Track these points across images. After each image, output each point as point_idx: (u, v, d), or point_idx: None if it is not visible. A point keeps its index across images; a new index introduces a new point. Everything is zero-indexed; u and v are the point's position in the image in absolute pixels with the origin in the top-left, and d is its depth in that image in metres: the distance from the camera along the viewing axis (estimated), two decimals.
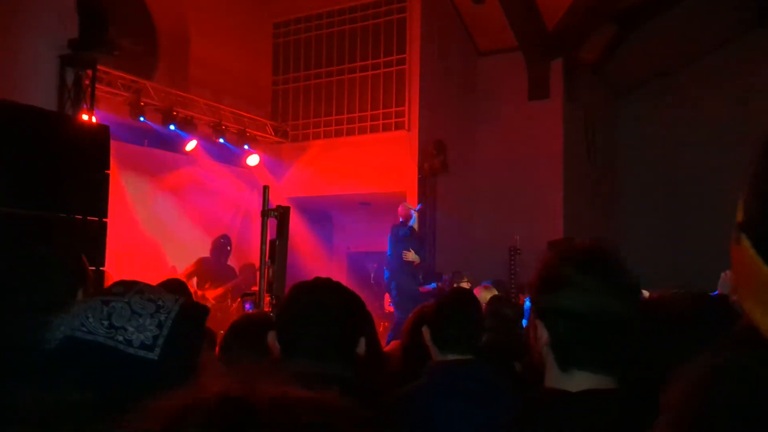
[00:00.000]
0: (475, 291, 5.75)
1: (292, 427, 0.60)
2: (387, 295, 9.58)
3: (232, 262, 10.67)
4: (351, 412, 0.66)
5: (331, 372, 1.81)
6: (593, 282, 1.42)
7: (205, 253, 10.37)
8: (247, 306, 5.00)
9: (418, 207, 9.97)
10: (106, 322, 1.20)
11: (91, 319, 1.20)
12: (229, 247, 9.91)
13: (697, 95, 14.79)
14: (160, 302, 1.26)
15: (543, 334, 1.46)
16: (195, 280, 9.40)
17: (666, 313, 2.41)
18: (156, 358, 1.19)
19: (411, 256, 8.87)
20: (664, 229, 14.77)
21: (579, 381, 1.42)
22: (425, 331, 2.77)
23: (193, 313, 1.31)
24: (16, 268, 2.61)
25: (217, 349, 2.95)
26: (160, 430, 0.60)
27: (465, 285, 7.32)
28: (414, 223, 9.35)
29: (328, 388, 1.74)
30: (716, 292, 6.45)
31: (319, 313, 1.86)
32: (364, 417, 0.67)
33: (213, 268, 9.87)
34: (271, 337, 1.93)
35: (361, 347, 1.93)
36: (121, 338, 1.19)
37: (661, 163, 15.32)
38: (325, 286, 1.99)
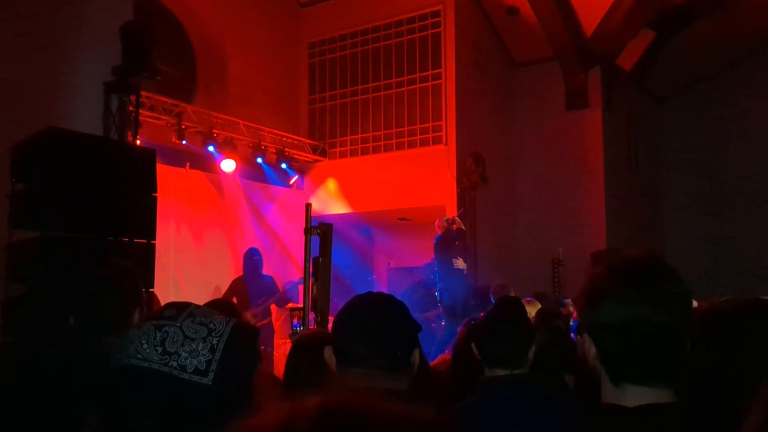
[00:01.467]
0: None
1: None
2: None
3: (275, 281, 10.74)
4: (448, 428, 0.65)
5: (387, 386, 1.81)
6: (636, 294, 1.38)
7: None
8: (295, 322, 5.01)
9: (459, 212, 9.95)
10: (159, 348, 1.21)
11: (145, 346, 1.21)
12: (255, 257, 9.83)
13: (741, 99, 14.53)
14: (211, 325, 1.26)
15: (591, 348, 1.44)
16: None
17: (721, 323, 2.35)
18: (210, 383, 1.20)
19: (460, 263, 8.82)
20: (709, 236, 14.49)
21: (634, 395, 1.39)
22: (474, 348, 2.74)
23: (244, 336, 1.31)
24: (73, 290, 2.66)
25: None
26: None
27: None
28: (458, 221, 9.30)
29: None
30: None
31: (373, 326, 1.86)
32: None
33: (249, 284, 9.83)
34: (328, 352, 1.93)
35: (416, 357, 1.92)
36: (175, 364, 1.20)
37: (706, 170, 15.06)
38: (378, 300, 2.00)
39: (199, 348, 1.21)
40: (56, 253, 4.89)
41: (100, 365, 2.04)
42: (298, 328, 5.02)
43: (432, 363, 5.17)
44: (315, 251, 7.00)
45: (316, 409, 0.61)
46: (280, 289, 9.39)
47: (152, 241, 5.48)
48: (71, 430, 2.06)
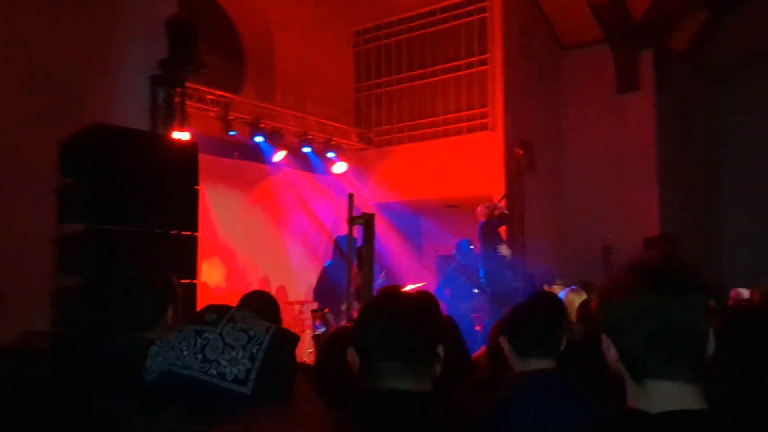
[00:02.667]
0: (564, 295, 5.58)
1: None
2: None
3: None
4: None
5: (409, 386, 1.79)
6: (647, 284, 1.38)
7: (294, 260, 10.58)
8: (317, 325, 5.02)
9: (500, 199, 9.84)
10: (200, 356, 1.21)
11: (186, 353, 1.22)
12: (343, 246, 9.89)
13: None
14: (251, 332, 1.26)
15: (610, 349, 1.43)
16: None
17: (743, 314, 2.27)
18: (249, 392, 1.20)
19: (505, 250, 8.74)
20: (767, 218, 13.98)
21: (657, 393, 1.37)
22: (503, 341, 2.71)
23: (284, 344, 1.31)
24: (106, 287, 2.72)
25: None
26: None
27: (558, 289, 7.10)
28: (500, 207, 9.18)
29: (407, 407, 1.71)
30: None
31: (394, 322, 1.85)
32: None
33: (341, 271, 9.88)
34: (351, 353, 1.93)
35: (441, 352, 1.89)
36: (214, 372, 1.20)
37: (764, 148, 14.51)
38: (395, 297, 1.99)
39: (239, 356, 1.22)
40: (102, 246, 5.02)
41: (130, 362, 2.08)
42: (320, 330, 5.04)
43: (474, 354, 5.14)
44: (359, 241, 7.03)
45: None
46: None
47: (195, 233, 5.57)
48: (100, 423, 2.11)
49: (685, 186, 13.44)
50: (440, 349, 1.89)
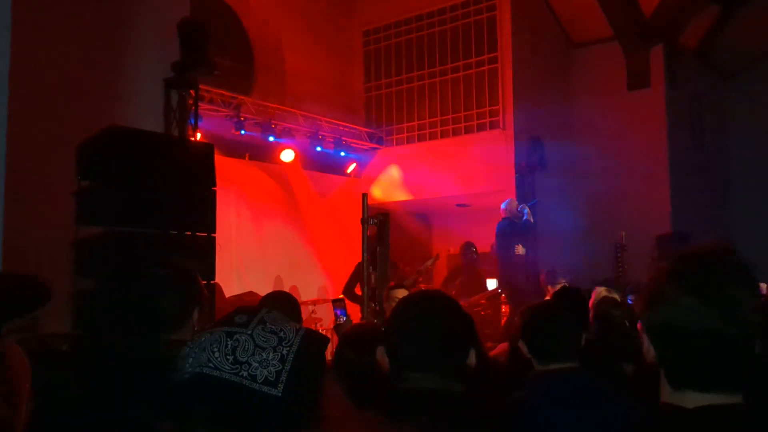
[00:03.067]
0: (594, 293, 5.55)
1: None
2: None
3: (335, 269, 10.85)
4: None
5: (442, 387, 1.79)
6: (697, 302, 1.30)
7: (306, 259, 10.61)
8: (338, 312, 5.01)
9: (532, 202, 9.82)
10: (231, 357, 1.21)
11: (217, 354, 1.22)
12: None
13: None
14: (282, 334, 1.26)
15: (650, 349, 1.39)
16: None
17: None
18: (279, 394, 1.20)
19: (521, 249, 8.72)
20: None
21: (694, 399, 1.33)
22: (522, 346, 2.71)
23: (314, 345, 1.31)
24: (134, 288, 2.73)
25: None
26: None
27: (561, 286, 7.05)
28: (528, 213, 9.15)
29: (437, 405, 1.70)
30: None
31: (427, 326, 1.83)
32: None
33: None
34: (380, 353, 1.90)
35: (472, 359, 1.89)
36: (245, 374, 1.20)
37: None
38: (432, 299, 1.97)
39: (270, 358, 1.22)
40: (121, 248, 5.05)
41: (158, 363, 2.09)
42: (342, 318, 5.02)
43: (492, 352, 5.15)
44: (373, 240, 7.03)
45: None
46: None
47: (212, 234, 5.60)
48: (126, 426, 2.13)
49: (696, 183, 13.39)
50: (472, 356, 1.87)
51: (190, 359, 1.25)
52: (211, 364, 1.22)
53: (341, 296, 6.24)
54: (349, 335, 2.95)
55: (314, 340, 1.33)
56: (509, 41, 11.61)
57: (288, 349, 1.25)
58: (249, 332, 1.25)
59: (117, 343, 2.78)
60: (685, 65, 13.01)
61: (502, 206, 9.17)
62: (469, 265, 9.96)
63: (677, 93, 12.78)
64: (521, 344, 2.71)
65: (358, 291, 8.15)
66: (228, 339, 1.24)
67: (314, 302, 10.24)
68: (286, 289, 9.88)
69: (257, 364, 1.21)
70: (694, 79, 13.60)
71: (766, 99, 14.58)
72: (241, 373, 1.20)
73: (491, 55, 11.78)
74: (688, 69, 13.17)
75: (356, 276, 8.89)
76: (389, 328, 1.96)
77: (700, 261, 1.37)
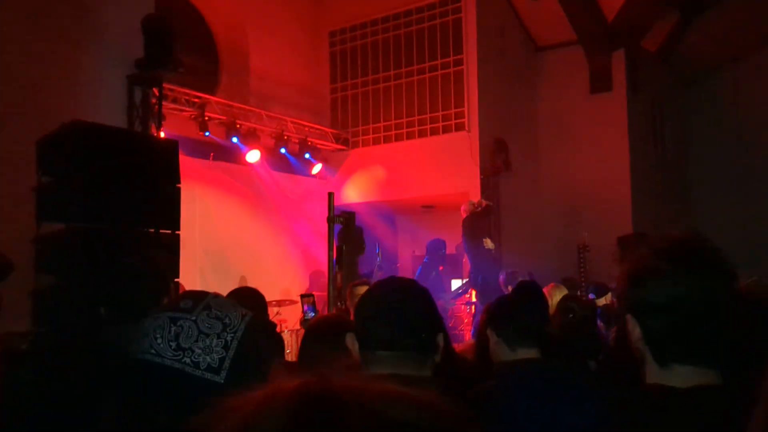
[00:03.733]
0: (545, 290, 5.65)
1: (380, 420, 0.56)
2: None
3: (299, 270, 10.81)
4: (448, 411, 0.62)
5: (410, 373, 1.80)
6: (683, 272, 1.36)
7: (270, 260, 10.54)
8: (306, 308, 5.00)
9: (483, 196, 9.92)
10: (173, 344, 1.20)
11: (159, 340, 1.20)
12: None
13: None
14: (227, 320, 1.24)
15: (635, 329, 1.41)
16: None
17: (757, 304, 2.31)
18: (222, 381, 1.19)
19: (489, 243, 8.79)
20: (738, 216, 14.27)
21: (681, 376, 1.35)
22: (490, 333, 2.74)
23: (259, 332, 1.30)
24: (103, 280, 2.71)
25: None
26: (236, 427, 0.57)
27: None
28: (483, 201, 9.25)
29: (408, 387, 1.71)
30: None
31: (395, 311, 1.83)
32: (461, 416, 0.62)
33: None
34: (350, 339, 1.90)
35: (440, 341, 1.89)
36: (188, 360, 1.19)
37: (733, 150, 14.81)
38: (400, 285, 1.98)
39: (213, 344, 1.21)
40: (83, 245, 4.96)
41: (124, 354, 2.07)
42: (310, 314, 5.01)
43: (459, 348, 5.17)
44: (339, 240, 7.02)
45: (295, 389, 0.59)
46: None
47: (177, 232, 5.53)
48: (97, 417, 2.09)
49: (657, 185, 13.65)
50: (440, 338, 1.88)
51: (134, 345, 1.24)
52: (153, 351, 1.20)
53: (311, 293, 6.23)
54: (312, 327, 2.95)
55: (260, 327, 1.32)
56: (474, 44, 11.70)
57: (232, 335, 1.23)
58: (193, 318, 1.23)
59: (87, 338, 2.74)
60: (646, 69, 13.26)
61: (462, 209, 9.30)
62: (436, 261, 10.09)
63: (639, 97, 13.01)
64: (489, 332, 2.73)
65: None
66: (171, 325, 1.22)
67: (279, 303, 10.18)
68: None
69: (200, 351, 1.20)
70: (655, 84, 13.86)
71: (725, 104, 14.95)
72: (183, 360, 1.19)
73: (457, 57, 11.86)
74: (649, 73, 13.43)
75: (314, 286, 8.97)
76: (358, 312, 1.97)
77: (681, 240, 1.43)
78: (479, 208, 9.05)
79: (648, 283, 1.39)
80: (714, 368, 1.36)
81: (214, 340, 1.21)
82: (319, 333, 2.76)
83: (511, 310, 2.73)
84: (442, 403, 0.62)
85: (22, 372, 2.94)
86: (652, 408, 1.38)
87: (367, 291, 1.99)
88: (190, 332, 1.21)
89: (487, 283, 8.56)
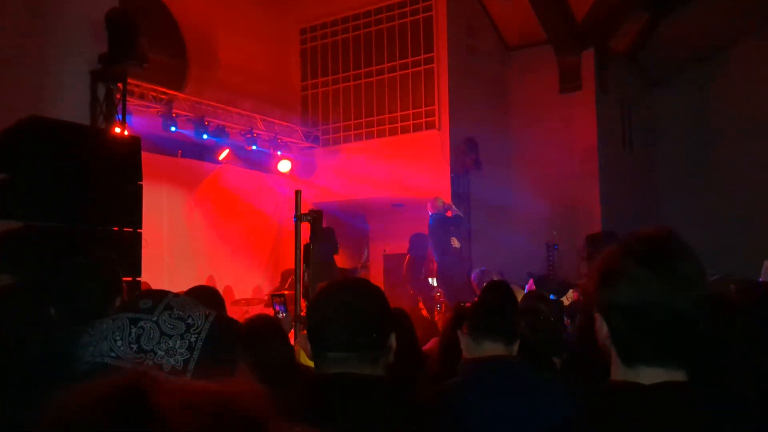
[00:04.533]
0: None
1: (186, 413, 0.58)
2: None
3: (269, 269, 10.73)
4: (256, 400, 0.64)
5: (362, 372, 1.77)
6: (653, 275, 1.33)
7: (240, 259, 10.45)
8: (278, 307, 4.94)
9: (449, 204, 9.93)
10: (135, 346, 1.15)
11: (119, 343, 1.16)
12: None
13: (736, 80, 14.45)
14: (190, 320, 1.21)
15: (603, 327, 1.40)
16: None
17: (716, 302, 2.32)
18: None
19: (456, 242, 8.81)
20: (704, 216, 14.46)
21: (647, 376, 1.34)
22: (460, 333, 2.72)
23: (224, 332, 1.26)
24: (53, 280, 2.63)
25: None
26: (50, 418, 0.60)
27: None
28: (456, 211, 9.26)
29: (358, 391, 1.67)
30: (761, 279, 6.28)
31: (346, 311, 1.82)
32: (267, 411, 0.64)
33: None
34: (303, 339, 1.89)
35: (392, 342, 1.87)
36: (150, 363, 1.15)
37: (701, 150, 15.01)
38: (350, 284, 1.98)
39: (177, 346, 1.17)
40: (41, 243, 4.85)
41: (72, 355, 2.00)
42: (282, 313, 4.96)
43: (425, 347, 5.15)
44: (306, 238, 6.96)
45: (110, 383, 0.62)
46: None
47: (139, 230, 5.44)
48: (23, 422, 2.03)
49: (625, 184, 13.78)
50: (392, 339, 1.87)
51: (90, 348, 1.19)
52: (113, 354, 1.16)
53: (282, 292, 6.17)
54: (243, 329, 2.90)
55: (224, 327, 1.28)
56: (445, 42, 11.70)
57: (196, 336, 1.19)
58: (154, 319, 1.19)
59: (37, 339, 2.67)
60: (615, 69, 13.37)
61: (429, 203, 9.29)
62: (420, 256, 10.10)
63: (608, 96, 13.13)
64: (460, 333, 2.72)
65: None
66: (132, 326, 1.17)
67: (248, 302, 10.11)
68: (220, 290, 9.70)
69: (163, 353, 1.16)
70: (624, 83, 13.99)
71: (692, 104, 15.14)
72: (146, 363, 1.14)
73: (427, 55, 11.85)
74: (618, 73, 13.54)
75: (284, 283, 8.90)
76: (310, 312, 1.95)
77: (651, 239, 1.40)
78: (449, 212, 9.07)
79: (617, 284, 1.37)
80: (680, 369, 1.35)
81: (178, 342, 1.17)
82: (248, 336, 2.72)
83: (482, 309, 2.72)
84: (248, 396, 0.65)
85: None
86: (616, 403, 1.36)
87: (320, 291, 1.97)
88: (152, 334, 1.17)
89: (452, 282, 8.58)
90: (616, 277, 1.37)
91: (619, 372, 1.38)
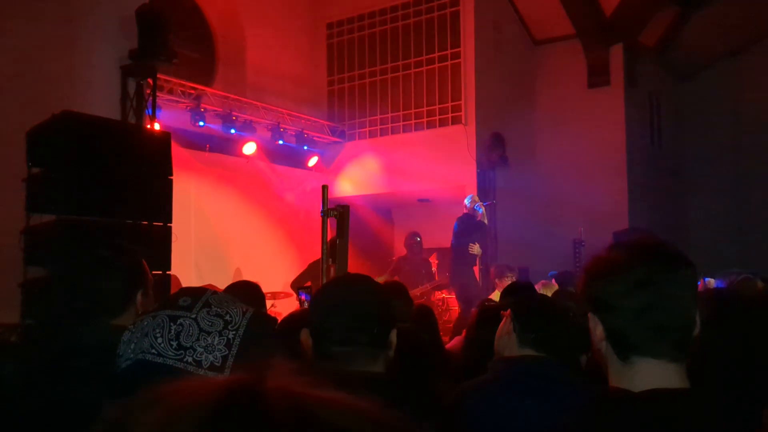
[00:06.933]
0: (536, 287, 5.63)
1: (304, 422, 0.55)
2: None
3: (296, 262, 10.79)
4: (376, 417, 0.60)
5: (361, 369, 1.79)
6: (640, 263, 1.36)
7: (267, 253, 10.52)
8: (303, 296, 4.98)
9: (486, 203, 9.87)
10: (174, 343, 1.18)
11: (159, 340, 1.18)
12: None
13: (767, 74, 14.20)
14: (227, 317, 1.23)
15: (597, 327, 1.40)
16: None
17: (739, 305, 2.29)
18: None
19: (476, 249, 8.76)
20: (733, 213, 14.28)
21: (642, 371, 1.34)
22: (508, 332, 2.72)
23: (261, 328, 1.28)
24: (74, 272, 2.66)
25: None
26: (157, 419, 0.57)
27: (508, 280, 7.12)
28: (482, 214, 9.19)
29: (358, 387, 1.71)
30: None
31: (347, 307, 1.85)
32: (390, 423, 0.61)
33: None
34: (304, 334, 1.91)
35: (393, 337, 1.89)
36: (190, 359, 1.17)
37: (730, 145, 14.79)
38: (351, 281, 2.00)
39: (215, 342, 1.19)
40: (73, 237, 4.93)
41: (100, 349, 2.03)
42: (307, 302, 5.00)
43: (448, 345, 5.16)
44: (333, 233, 7.00)
45: (220, 386, 0.58)
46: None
47: (169, 224, 5.51)
48: (73, 412, 2.07)
49: (653, 180, 13.63)
50: (393, 335, 1.89)
51: (132, 345, 1.21)
52: (153, 350, 1.18)
53: (308, 285, 6.21)
54: (283, 323, 2.94)
55: (262, 323, 1.30)
56: (472, 37, 11.65)
57: (234, 332, 1.21)
58: (193, 316, 1.21)
59: (61, 331, 2.71)
60: (644, 64, 13.22)
61: (466, 202, 9.22)
62: (412, 254, 10.12)
63: (636, 91, 12.99)
64: (508, 330, 2.71)
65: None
66: (171, 323, 1.20)
67: (274, 295, 10.17)
68: None
69: (202, 349, 1.18)
70: (652, 78, 13.83)
71: (721, 99, 14.92)
72: (185, 359, 1.16)
73: (454, 50, 11.81)
74: (647, 68, 13.39)
75: (307, 274, 8.91)
76: (312, 308, 1.97)
77: (639, 239, 1.44)
78: (477, 217, 8.98)
79: (605, 276, 1.39)
80: (674, 361, 1.34)
81: (216, 338, 1.19)
82: (285, 331, 2.74)
83: (532, 313, 2.72)
84: (380, 412, 0.60)
85: (6, 364, 2.91)
86: (605, 415, 1.36)
87: (322, 287, 2.01)
88: (191, 330, 1.19)
89: (464, 289, 8.54)
90: (602, 270, 1.39)
91: (615, 372, 1.39)
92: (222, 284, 5.95)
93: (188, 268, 9.57)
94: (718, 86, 14.99)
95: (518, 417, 2.47)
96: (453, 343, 5.06)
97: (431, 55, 12.05)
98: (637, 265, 1.35)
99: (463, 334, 5.09)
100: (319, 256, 10.19)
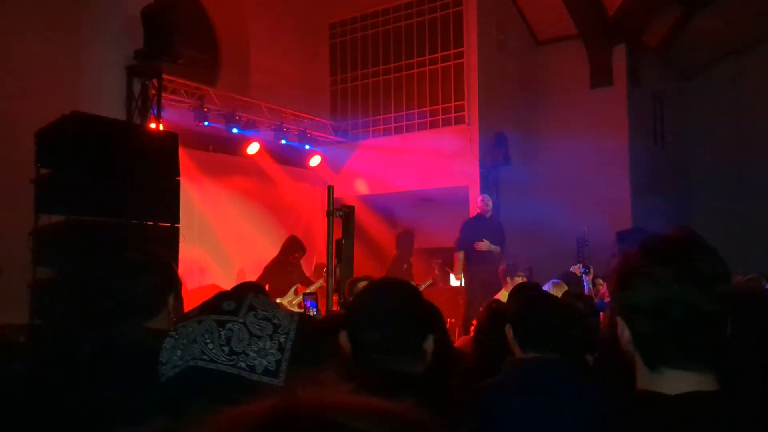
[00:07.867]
0: (547, 287, 5.65)
1: None
2: None
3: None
4: (418, 422, 0.62)
5: (399, 369, 1.81)
6: (672, 273, 1.30)
7: (270, 253, 10.54)
8: (309, 304, 5.00)
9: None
10: (226, 348, 1.16)
11: (210, 345, 1.16)
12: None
13: None
14: (276, 320, 1.22)
15: (625, 331, 1.37)
16: None
17: (747, 303, 2.30)
18: (282, 384, 1.15)
19: (485, 245, 8.77)
20: (735, 213, 14.27)
21: (672, 380, 1.31)
22: (508, 330, 2.74)
23: (311, 331, 1.28)
24: (105, 275, 2.68)
25: None
26: None
27: (519, 279, 7.14)
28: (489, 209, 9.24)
29: (397, 387, 1.72)
30: None
31: (386, 311, 1.87)
32: (433, 427, 0.62)
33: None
34: (343, 337, 1.93)
35: (429, 344, 1.91)
36: (243, 365, 1.15)
37: (733, 146, 14.79)
38: (392, 285, 2.02)
39: (267, 347, 1.17)
40: (81, 237, 4.95)
41: (138, 349, 2.04)
42: (312, 310, 5.02)
43: (456, 343, 5.18)
44: (338, 233, 7.01)
45: (261, 414, 0.60)
46: None
47: (176, 225, 5.52)
48: (107, 413, 2.08)
49: (656, 180, 13.63)
50: (430, 341, 1.91)
51: (179, 351, 1.19)
52: (205, 357, 1.16)
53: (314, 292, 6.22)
54: (320, 323, 2.96)
55: (311, 326, 1.30)
56: (475, 37, 11.66)
57: (285, 336, 1.20)
58: (241, 320, 1.20)
59: (84, 332, 2.71)
60: (646, 64, 13.21)
61: (480, 202, 9.26)
62: (406, 253, 10.16)
63: (639, 91, 12.98)
64: (508, 329, 2.74)
65: None
66: (220, 328, 1.18)
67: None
68: None
69: (255, 354, 1.16)
70: (655, 78, 13.81)
71: (724, 99, 14.91)
72: (239, 365, 1.15)
73: (457, 50, 11.82)
74: (650, 68, 13.38)
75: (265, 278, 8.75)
76: (350, 312, 1.98)
77: (672, 239, 1.39)
78: (487, 212, 9.02)
79: (636, 285, 1.34)
80: (707, 372, 1.32)
81: (268, 342, 1.18)
82: (319, 329, 2.77)
83: (531, 313, 2.73)
84: (414, 414, 0.62)
85: (15, 364, 2.92)
86: (638, 419, 1.33)
87: (360, 292, 2.02)
88: (241, 335, 1.17)
89: (475, 283, 8.57)
90: (636, 277, 1.35)
91: (644, 377, 1.36)
92: (226, 285, 5.98)
93: (191, 268, 9.58)
94: (721, 86, 14.98)
95: (536, 416, 2.48)
96: (460, 342, 5.09)
97: (434, 55, 12.06)
98: (674, 281, 1.30)
99: (471, 334, 5.12)
100: (321, 257, 10.23)
